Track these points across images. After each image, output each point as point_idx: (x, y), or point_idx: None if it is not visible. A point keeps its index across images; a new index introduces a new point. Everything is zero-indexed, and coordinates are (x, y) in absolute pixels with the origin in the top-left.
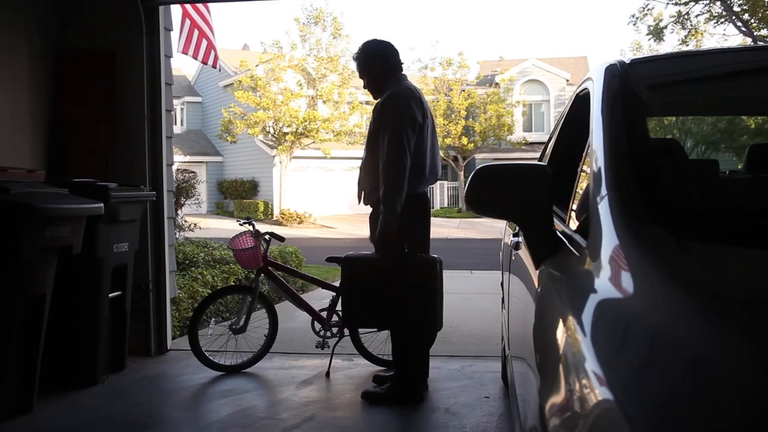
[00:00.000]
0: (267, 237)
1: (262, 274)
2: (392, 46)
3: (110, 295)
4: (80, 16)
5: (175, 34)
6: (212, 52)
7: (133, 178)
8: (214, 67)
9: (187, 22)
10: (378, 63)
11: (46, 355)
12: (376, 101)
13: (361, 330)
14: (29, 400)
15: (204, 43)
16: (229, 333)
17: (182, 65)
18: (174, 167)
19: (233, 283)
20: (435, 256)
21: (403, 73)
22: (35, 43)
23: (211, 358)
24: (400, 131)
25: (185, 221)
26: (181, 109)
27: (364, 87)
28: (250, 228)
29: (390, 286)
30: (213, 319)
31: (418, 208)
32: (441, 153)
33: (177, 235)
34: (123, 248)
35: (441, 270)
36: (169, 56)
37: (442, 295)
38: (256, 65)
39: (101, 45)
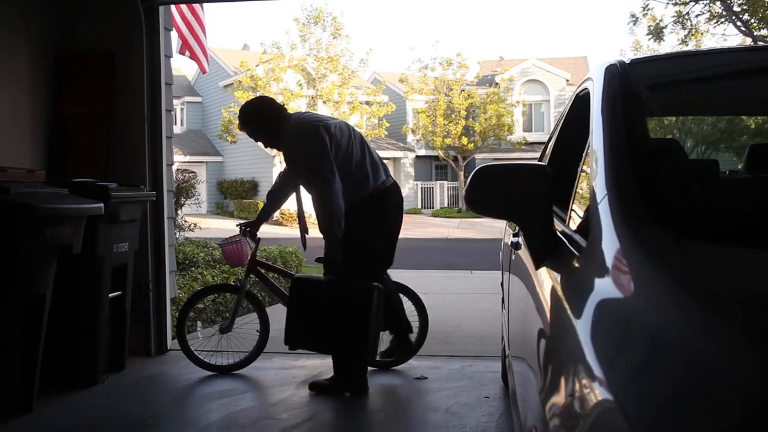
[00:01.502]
0: (256, 237)
1: (251, 274)
2: (263, 99)
3: (110, 295)
4: (80, 16)
5: (174, 35)
6: (203, 57)
7: (133, 178)
8: (204, 72)
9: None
10: (259, 122)
11: (46, 355)
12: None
13: None
14: (29, 400)
15: (197, 47)
16: (218, 333)
17: (182, 65)
18: (174, 167)
19: (221, 283)
20: (375, 284)
21: (289, 112)
22: (35, 43)
23: (203, 358)
24: (314, 165)
25: (185, 221)
26: (181, 109)
27: (265, 146)
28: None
29: (328, 310)
30: (199, 323)
31: (377, 207)
32: (441, 153)
33: (177, 235)
34: (123, 248)
35: (379, 299)
36: (169, 56)
37: (377, 326)
38: (256, 65)
39: (101, 45)
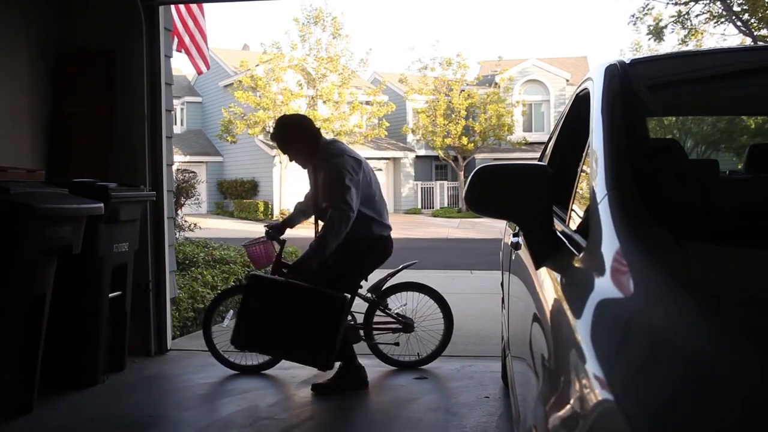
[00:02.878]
0: (281, 239)
1: (275, 275)
2: (304, 117)
3: (110, 295)
4: (80, 15)
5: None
6: (199, 58)
7: (133, 178)
8: (199, 73)
9: (179, 23)
10: (297, 137)
11: (46, 355)
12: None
13: (376, 331)
14: (29, 400)
15: (193, 48)
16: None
17: (182, 65)
18: (174, 167)
19: (235, 283)
20: (345, 294)
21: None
22: (35, 43)
23: (227, 357)
24: (346, 187)
25: (185, 221)
26: (181, 109)
27: (291, 159)
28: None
29: (288, 314)
30: (231, 311)
31: (376, 249)
32: (441, 153)
33: (177, 235)
34: (123, 248)
35: (347, 310)
36: (169, 56)
37: (339, 336)
38: (256, 65)
39: (101, 45)
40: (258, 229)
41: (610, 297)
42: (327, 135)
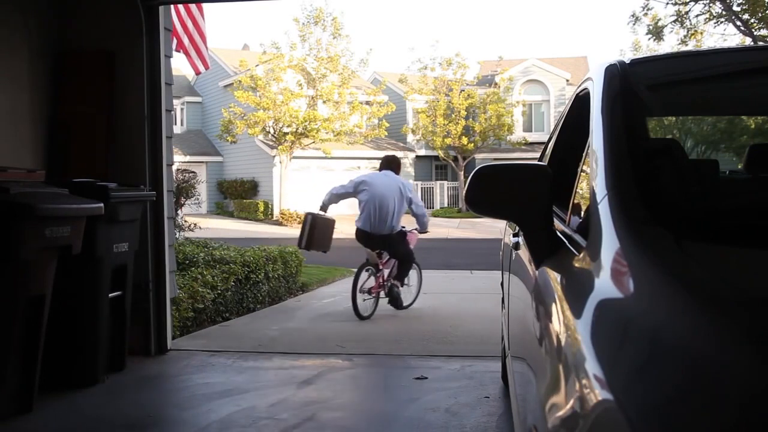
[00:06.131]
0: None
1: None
2: (397, 156)
3: (110, 295)
4: (80, 15)
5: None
6: (197, 58)
7: (133, 178)
8: (197, 73)
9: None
10: (397, 166)
11: (46, 355)
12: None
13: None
14: (29, 400)
15: (191, 48)
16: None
17: (182, 65)
18: (174, 167)
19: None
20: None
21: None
22: (35, 43)
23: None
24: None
25: (185, 221)
26: (181, 109)
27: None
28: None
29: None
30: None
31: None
32: (441, 153)
33: (177, 235)
34: (123, 248)
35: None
36: (169, 56)
37: None
38: (256, 65)
39: (101, 45)
40: (258, 229)
41: (610, 297)
42: (327, 135)
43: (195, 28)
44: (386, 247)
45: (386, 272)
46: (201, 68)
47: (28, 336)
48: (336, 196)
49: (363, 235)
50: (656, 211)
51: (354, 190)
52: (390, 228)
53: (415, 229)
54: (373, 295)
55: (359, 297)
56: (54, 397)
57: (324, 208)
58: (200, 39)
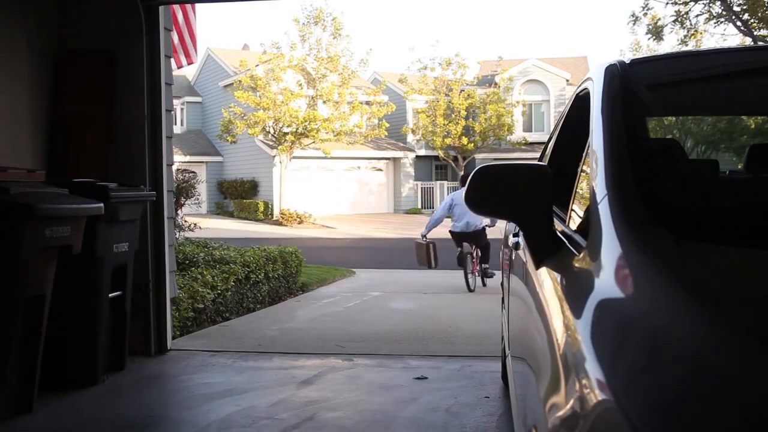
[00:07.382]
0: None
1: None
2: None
3: (110, 295)
4: (80, 15)
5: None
6: (182, 52)
7: (133, 178)
8: (179, 66)
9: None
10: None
11: (46, 355)
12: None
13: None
14: (29, 400)
15: (177, 42)
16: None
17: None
18: (174, 167)
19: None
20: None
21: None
22: (35, 42)
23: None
24: None
25: (185, 221)
26: (181, 109)
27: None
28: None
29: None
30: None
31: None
32: (441, 153)
33: (177, 235)
34: (123, 248)
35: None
36: (169, 56)
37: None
38: (256, 65)
39: (101, 45)
40: (258, 229)
41: (610, 297)
42: (327, 135)
43: (186, 24)
44: (475, 240)
45: (476, 256)
46: (183, 62)
47: (28, 336)
48: (437, 222)
49: (460, 235)
50: (656, 211)
51: (449, 211)
52: (474, 226)
53: (487, 225)
54: (475, 273)
55: (469, 276)
56: (54, 397)
57: (426, 233)
58: (189, 37)
